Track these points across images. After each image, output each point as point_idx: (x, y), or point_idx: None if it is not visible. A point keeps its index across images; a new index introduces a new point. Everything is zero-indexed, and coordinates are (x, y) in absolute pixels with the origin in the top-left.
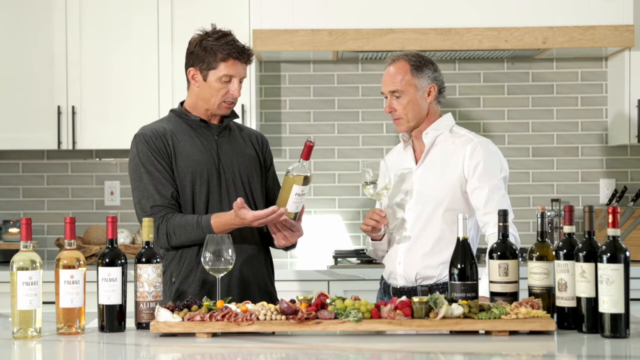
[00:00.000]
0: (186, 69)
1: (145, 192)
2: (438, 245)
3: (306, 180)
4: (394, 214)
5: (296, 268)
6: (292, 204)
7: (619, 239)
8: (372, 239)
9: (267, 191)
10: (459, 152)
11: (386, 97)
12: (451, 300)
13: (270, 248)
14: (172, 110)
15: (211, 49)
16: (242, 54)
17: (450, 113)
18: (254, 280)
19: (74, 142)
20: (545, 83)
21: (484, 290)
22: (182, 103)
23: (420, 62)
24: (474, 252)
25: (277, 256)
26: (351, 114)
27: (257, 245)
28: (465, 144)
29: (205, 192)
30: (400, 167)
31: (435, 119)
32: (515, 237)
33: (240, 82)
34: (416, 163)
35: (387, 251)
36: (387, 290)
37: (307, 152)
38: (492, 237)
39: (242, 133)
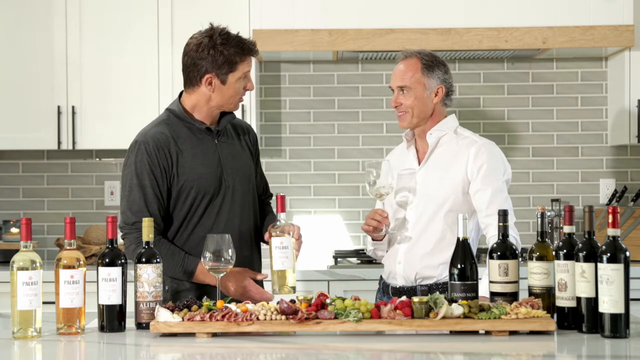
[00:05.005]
0: (196, 75)
1: (133, 205)
2: (439, 246)
3: (282, 232)
4: (395, 214)
5: (296, 268)
6: (277, 260)
7: (619, 239)
8: (373, 239)
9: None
10: (463, 153)
11: (393, 92)
12: (451, 300)
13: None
14: (170, 110)
15: (227, 53)
16: (253, 50)
17: (454, 114)
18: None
19: (74, 142)
20: (545, 83)
21: (484, 290)
22: (179, 99)
23: (432, 62)
24: (474, 252)
25: None
26: (351, 114)
27: (251, 247)
28: (470, 145)
29: (205, 204)
30: (403, 168)
31: (439, 120)
32: (516, 240)
33: None
34: (419, 163)
35: (387, 251)
36: (386, 290)
37: (281, 205)
38: (493, 239)
39: (234, 128)
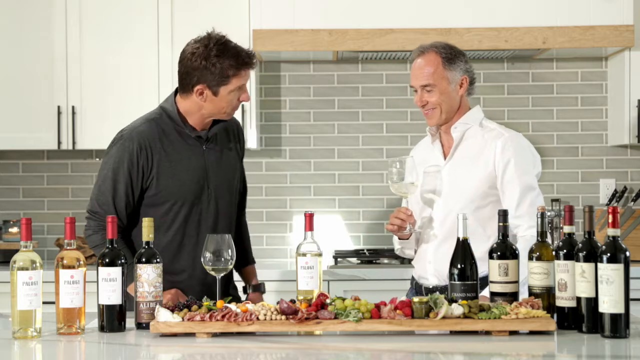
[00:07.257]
0: (188, 83)
1: (102, 196)
2: None
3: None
4: (421, 212)
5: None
6: (302, 280)
7: (619, 239)
8: (399, 238)
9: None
10: (489, 147)
11: (415, 91)
12: (451, 300)
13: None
14: (163, 108)
15: (220, 66)
16: (249, 64)
17: (478, 105)
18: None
19: (74, 142)
20: (545, 83)
21: (484, 290)
22: (174, 98)
23: (452, 54)
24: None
25: (277, 256)
26: (351, 114)
27: None
28: (496, 138)
29: (185, 212)
30: (428, 163)
31: (465, 112)
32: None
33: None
34: (444, 158)
35: (416, 250)
36: (420, 291)
37: (309, 223)
38: (522, 240)
39: (226, 131)
